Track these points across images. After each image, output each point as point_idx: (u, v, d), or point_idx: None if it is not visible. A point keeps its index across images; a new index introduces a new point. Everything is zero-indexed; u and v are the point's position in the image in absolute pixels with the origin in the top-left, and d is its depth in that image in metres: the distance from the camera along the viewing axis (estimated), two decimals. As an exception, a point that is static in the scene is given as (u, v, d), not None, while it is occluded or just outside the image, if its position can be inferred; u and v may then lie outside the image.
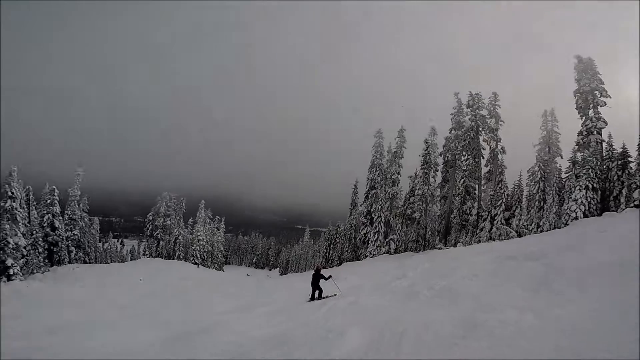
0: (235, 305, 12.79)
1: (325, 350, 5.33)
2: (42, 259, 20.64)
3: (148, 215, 40.22)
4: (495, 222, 19.72)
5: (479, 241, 19.54)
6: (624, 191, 14.26)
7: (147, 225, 39.96)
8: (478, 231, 20.69)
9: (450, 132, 23.39)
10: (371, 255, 24.07)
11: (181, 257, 37.16)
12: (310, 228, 66.63)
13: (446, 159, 23.53)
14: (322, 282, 11.23)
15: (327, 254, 30.71)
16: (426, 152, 23.19)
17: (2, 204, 19.00)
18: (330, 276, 11.26)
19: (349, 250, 28.07)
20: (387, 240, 24.01)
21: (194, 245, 37.75)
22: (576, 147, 17.39)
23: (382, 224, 24.42)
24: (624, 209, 13.41)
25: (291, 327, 7.50)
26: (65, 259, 23.82)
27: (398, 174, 25.29)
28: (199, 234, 38.29)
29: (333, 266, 27.63)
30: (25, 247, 17.69)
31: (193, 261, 36.03)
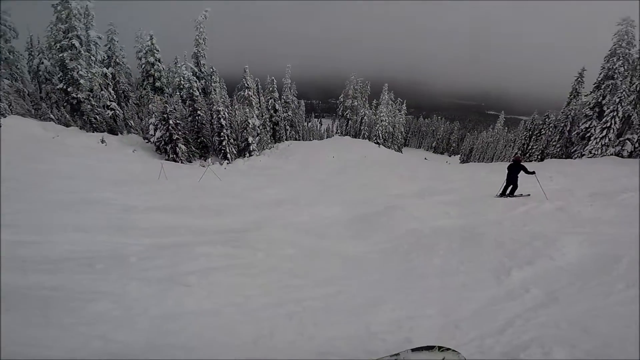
0: (411, 190, 12.68)
1: (532, 256, 4.57)
2: (269, 137, 26.95)
3: (339, 97, 45.36)
4: None
5: None
6: None
7: (339, 106, 45.64)
8: None
9: None
10: (590, 155, 18.70)
11: (365, 136, 41.12)
12: (505, 115, 56.02)
13: None
14: (520, 177, 9.36)
15: (524, 146, 25.57)
16: None
17: (242, 92, 25.98)
18: (534, 171, 9.25)
19: (557, 145, 22.51)
20: (620, 139, 17.98)
21: (377, 125, 40.61)
22: None
23: (616, 118, 18.28)
24: None
25: (479, 223, 6.65)
26: (283, 137, 31.41)
27: (658, 66, 18.23)
28: (381, 114, 40.51)
29: (532, 160, 23.15)
30: (258, 127, 22.98)
31: (375, 141, 39.28)
